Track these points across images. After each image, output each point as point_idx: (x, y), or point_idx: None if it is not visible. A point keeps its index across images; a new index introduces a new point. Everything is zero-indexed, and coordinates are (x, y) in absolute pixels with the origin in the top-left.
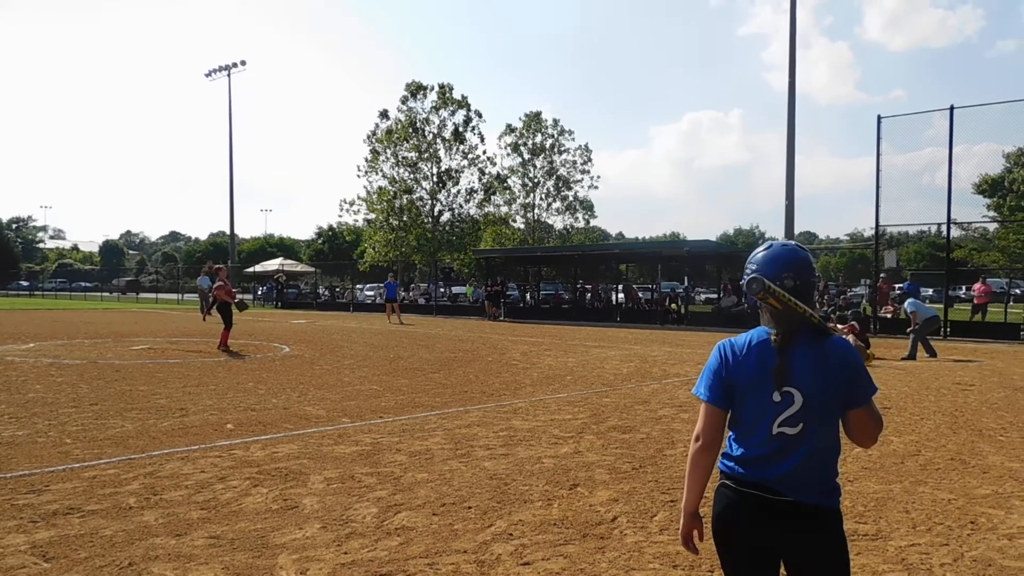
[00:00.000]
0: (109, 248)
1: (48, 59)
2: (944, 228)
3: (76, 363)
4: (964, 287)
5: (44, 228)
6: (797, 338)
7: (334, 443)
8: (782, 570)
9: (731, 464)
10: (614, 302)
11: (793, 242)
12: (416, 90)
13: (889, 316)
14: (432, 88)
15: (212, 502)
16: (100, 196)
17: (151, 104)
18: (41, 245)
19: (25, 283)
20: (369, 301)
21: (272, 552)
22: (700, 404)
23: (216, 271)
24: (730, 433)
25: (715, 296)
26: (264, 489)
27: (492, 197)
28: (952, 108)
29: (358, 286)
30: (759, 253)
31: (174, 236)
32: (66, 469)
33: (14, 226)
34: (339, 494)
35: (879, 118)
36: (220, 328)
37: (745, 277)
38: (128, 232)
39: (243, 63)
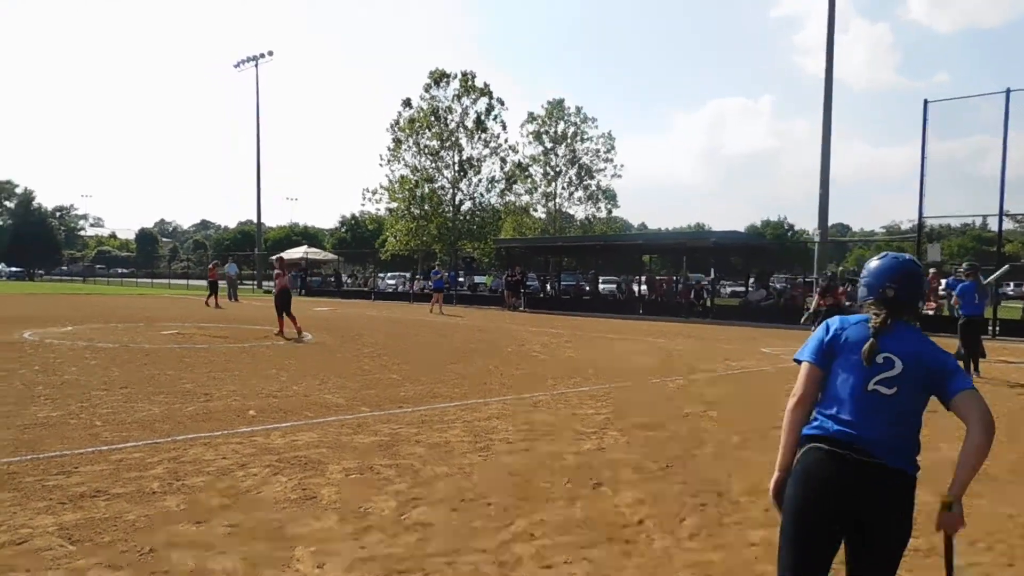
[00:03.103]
0: (144, 236)
1: (87, 55)
2: (992, 220)
3: (109, 347)
4: (1013, 284)
5: (84, 216)
6: (893, 327)
7: (353, 432)
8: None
9: (822, 422)
10: (636, 294)
11: (907, 255)
12: (439, 78)
13: (931, 313)
14: (455, 76)
15: (232, 489)
16: (136, 185)
17: (183, 95)
18: (82, 232)
19: (65, 268)
20: (390, 290)
21: (289, 543)
22: (800, 367)
23: (275, 262)
24: (826, 394)
25: (742, 289)
26: (283, 478)
27: (513, 186)
28: (1008, 91)
29: (379, 275)
30: (872, 262)
31: (204, 224)
32: (95, 451)
33: (57, 214)
34: (357, 485)
35: (926, 103)
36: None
37: (860, 286)
38: (162, 220)
39: (270, 53)
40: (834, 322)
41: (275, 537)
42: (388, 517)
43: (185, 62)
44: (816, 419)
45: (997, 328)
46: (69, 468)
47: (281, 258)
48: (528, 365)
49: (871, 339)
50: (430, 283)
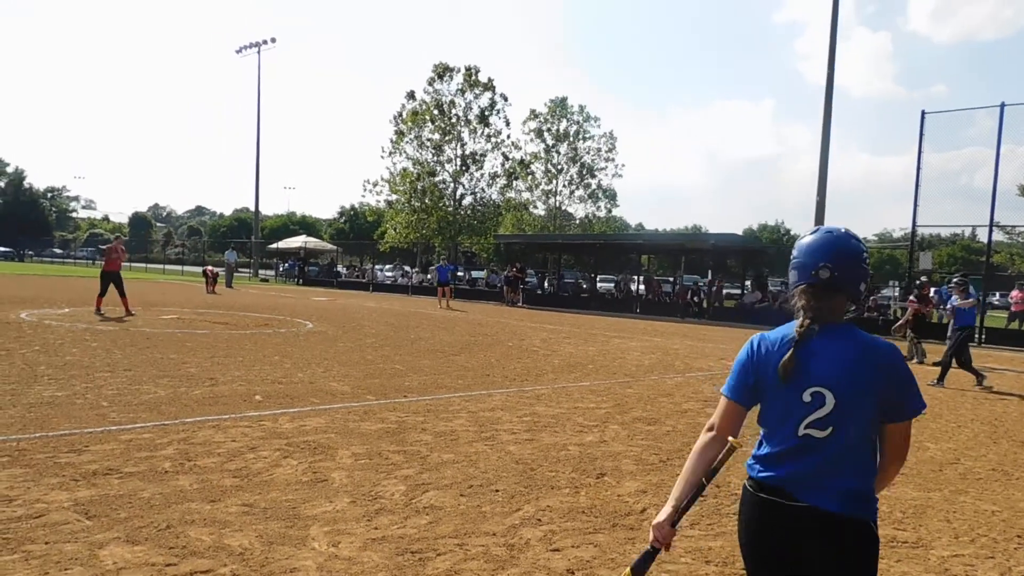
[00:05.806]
0: (138, 220)
1: (85, 35)
2: (982, 231)
3: (109, 329)
4: (998, 293)
5: (76, 198)
6: (821, 333)
7: (360, 419)
8: None
9: (753, 463)
10: (634, 293)
11: (843, 228)
12: (443, 72)
13: (927, 319)
14: (458, 70)
15: (244, 471)
16: (130, 169)
17: (182, 79)
18: (73, 215)
19: (59, 251)
20: (389, 281)
21: (304, 523)
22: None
23: (114, 239)
24: (760, 432)
25: (737, 292)
26: (294, 461)
27: (514, 182)
28: (1003, 105)
29: (377, 267)
30: (804, 239)
31: (200, 211)
32: (104, 431)
33: (49, 195)
34: (367, 470)
35: (923, 113)
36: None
37: (791, 269)
38: (156, 205)
39: (273, 40)
40: (758, 345)
41: (289, 517)
42: (399, 500)
43: (186, 46)
44: (753, 456)
45: (984, 336)
46: (79, 447)
47: (120, 237)
48: (529, 359)
49: (790, 353)
50: (428, 277)
